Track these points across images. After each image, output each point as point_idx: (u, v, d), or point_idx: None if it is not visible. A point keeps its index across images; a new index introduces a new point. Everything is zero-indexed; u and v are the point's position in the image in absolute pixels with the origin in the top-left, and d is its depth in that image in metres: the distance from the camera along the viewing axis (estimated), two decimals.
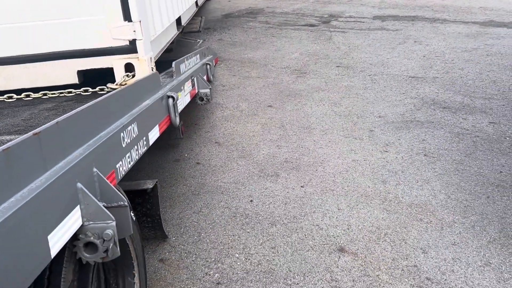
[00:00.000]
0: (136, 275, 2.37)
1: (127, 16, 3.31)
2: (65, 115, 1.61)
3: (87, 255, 1.59)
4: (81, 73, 3.44)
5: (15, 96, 3.22)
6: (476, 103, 5.09)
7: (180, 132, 4.10)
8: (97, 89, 3.31)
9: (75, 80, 3.41)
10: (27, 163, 1.33)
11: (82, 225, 1.57)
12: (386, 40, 7.62)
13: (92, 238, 1.57)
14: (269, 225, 3.28)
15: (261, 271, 2.85)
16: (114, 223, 1.59)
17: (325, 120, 4.89)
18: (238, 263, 2.93)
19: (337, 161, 4.04)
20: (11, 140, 1.99)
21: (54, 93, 3.25)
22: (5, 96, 3.21)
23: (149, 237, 3.09)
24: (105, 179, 1.72)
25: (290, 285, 2.72)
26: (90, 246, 1.60)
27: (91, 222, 1.59)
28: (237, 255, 3.01)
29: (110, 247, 1.59)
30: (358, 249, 2.96)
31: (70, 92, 3.28)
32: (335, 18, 9.27)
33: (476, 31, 7.88)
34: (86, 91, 3.29)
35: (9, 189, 1.23)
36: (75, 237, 1.57)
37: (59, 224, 1.40)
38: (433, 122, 4.67)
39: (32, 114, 2.60)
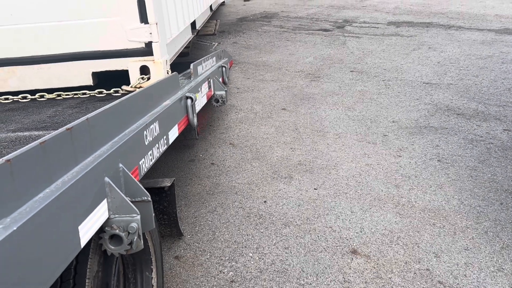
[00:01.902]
0: (154, 270, 2.43)
1: (143, 18, 3.31)
2: (94, 112, 1.67)
3: (112, 247, 1.65)
4: (96, 75, 3.43)
5: (29, 96, 3.23)
6: (491, 110, 5.09)
7: (195, 132, 4.16)
8: (111, 91, 3.32)
9: (89, 81, 3.40)
10: (60, 156, 1.40)
11: (108, 218, 1.63)
12: (400, 46, 7.63)
13: (117, 230, 1.64)
14: (283, 225, 3.32)
15: (274, 270, 2.89)
16: (138, 217, 1.65)
17: (339, 124, 4.92)
18: (252, 262, 2.98)
19: (350, 164, 4.07)
20: (39, 135, 2.07)
21: (68, 94, 3.27)
22: (20, 96, 3.23)
23: (165, 234, 3.15)
24: (130, 174, 1.78)
25: (303, 285, 2.76)
26: (115, 238, 1.66)
27: (116, 215, 1.65)
28: (250, 254, 3.06)
29: (134, 240, 1.65)
30: (370, 251, 3.00)
31: (85, 94, 3.28)
32: (349, 23, 9.30)
33: (491, 39, 7.86)
34: (100, 92, 3.29)
35: (44, 180, 1.30)
36: (101, 230, 1.63)
37: (88, 215, 1.46)
38: (447, 128, 4.68)
39: (56, 111, 2.68)
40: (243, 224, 3.37)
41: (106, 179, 1.62)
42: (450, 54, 7.11)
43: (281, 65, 7.04)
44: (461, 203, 3.44)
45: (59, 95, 3.24)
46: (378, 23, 9.22)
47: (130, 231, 1.64)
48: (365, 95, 5.68)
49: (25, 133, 2.10)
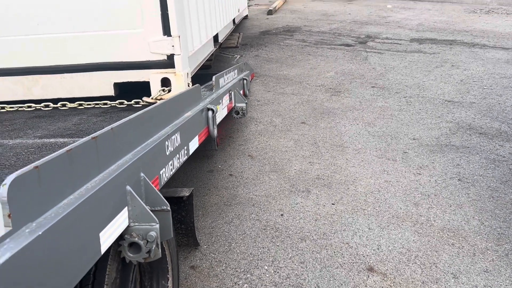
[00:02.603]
0: (170, 279, 2.46)
1: (166, 31, 3.36)
2: (118, 122, 1.72)
3: (131, 255, 1.69)
4: (117, 86, 3.48)
5: (51, 105, 3.28)
6: None
7: (215, 143, 4.20)
8: (132, 102, 3.37)
9: (111, 92, 3.44)
10: (85, 164, 1.44)
11: (128, 226, 1.67)
12: (422, 63, 7.59)
13: (136, 239, 1.67)
14: (299, 240, 3.32)
15: (289, 284, 2.88)
16: (157, 226, 1.68)
17: (359, 139, 4.91)
18: (267, 275, 2.98)
19: (369, 180, 4.05)
20: (65, 142, 2.14)
21: (90, 104, 3.32)
22: (42, 104, 3.29)
23: (182, 243, 3.18)
24: (150, 183, 1.82)
25: None
26: (134, 246, 1.69)
27: (136, 224, 1.68)
28: (266, 267, 3.06)
29: (153, 248, 1.68)
30: (387, 269, 2.97)
31: (106, 104, 3.33)
32: (371, 39, 9.30)
33: None
34: (121, 103, 3.35)
35: (69, 187, 1.34)
36: (120, 237, 1.67)
37: (109, 223, 1.50)
38: (468, 147, 4.62)
39: (81, 119, 2.75)
40: (259, 237, 3.38)
41: (128, 187, 1.65)
42: (474, 73, 7.04)
43: (302, 79, 7.06)
44: (481, 224, 3.38)
45: (80, 104, 3.31)
46: (400, 40, 9.19)
47: (149, 240, 1.67)
48: (385, 111, 5.65)
49: (50, 140, 2.17)
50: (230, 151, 4.86)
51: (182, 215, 2.96)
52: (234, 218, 3.63)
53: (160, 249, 1.71)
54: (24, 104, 3.28)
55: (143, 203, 1.69)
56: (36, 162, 1.18)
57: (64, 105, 3.26)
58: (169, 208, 1.83)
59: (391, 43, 8.94)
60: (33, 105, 3.27)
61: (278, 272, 3.00)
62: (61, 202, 1.29)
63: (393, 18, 11.40)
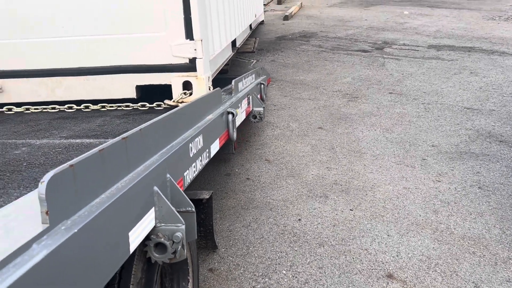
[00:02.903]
0: (190, 280, 2.46)
1: (189, 34, 3.39)
2: (146, 123, 1.74)
3: (157, 255, 1.70)
4: (139, 88, 3.51)
5: (75, 106, 3.33)
6: None
7: (232, 147, 4.22)
8: (154, 104, 3.39)
9: (133, 94, 3.48)
10: (115, 164, 1.46)
11: (154, 226, 1.68)
12: (440, 69, 7.53)
13: (162, 239, 1.68)
14: (317, 245, 3.30)
15: None
16: (183, 227, 1.69)
17: (376, 145, 4.88)
18: (285, 280, 2.97)
19: (387, 187, 4.02)
20: (91, 143, 2.17)
21: (112, 106, 3.37)
22: (66, 106, 3.34)
23: (200, 246, 3.19)
24: (176, 185, 1.83)
25: None
26: (160, 246, 1.70)
27: (162, 224, 1.70)
28: (284, 272, 3.05)
29: (178, 249, 1.69)
30: (407, 277, 2.94)
31: (128, 106, 3.37)
32: (388, 45, 9.26)
33: None
34: (143, 106, 3.38)
35: (101, 186, 1.36)
36: (146, 237, 1.68)
37: (138, 222, 1.51)
38: (488, 155, 4.56)
39: (104, 121, 2.78)
40: (277, 241, 3.37)
41: (155, 188, 1.67)
42: (493, 80, 6.96)
43: (319, 84, 7.06)
44: (502, 232, 3.33)
45: (103, 106, 3.34)
46: (418, 46, 9.13)
47: (175, 240, 1.68)
48: (403, 117, 5.61)
49: (77, 140, 2.20)
50: (247, 155, 4.87)
51: (202, 217, 2.97)
52: (252, 222, 3.63)
53: (185, 250, 1.72)
54: (47, 105, 3.32)
55: (170, 203, 1.70)
56: (71, 161, 1.20)
57: (87, 107, 3.30)
58: (194, 209, 1.84)
59: (408, 49, 8.90)
60: (57, 106, 3.32)
61: (296, 277, 2.99)
62: (93, 200, 1.30)
63: (410, 25, 11.34)
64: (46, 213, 1.08)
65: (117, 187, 1.43)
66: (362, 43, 9.57)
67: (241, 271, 3.08)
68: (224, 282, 2.99)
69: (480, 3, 14.96)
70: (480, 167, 4.31)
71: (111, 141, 1.45)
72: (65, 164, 1.17)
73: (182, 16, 3.27)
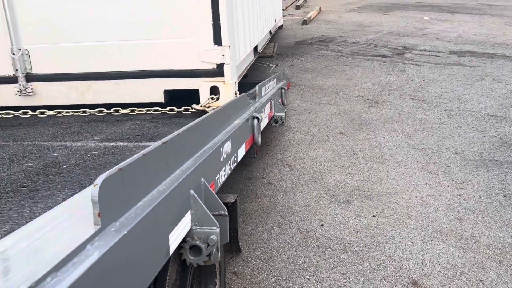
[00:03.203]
0: (217, 283, 2.50)
1: (217, 40, 3.44)
2: (183, 128, 1.78)
3: (192, 257, 1.73)
4: (167, 93, 3.56)
5: (105, 110, 3.39)
6: None
7: (254, 151, 4.25)
8: (182, 109, 3.44)
9: (161, 99, 3.52)
10: (157, 168, 1.50)
11: (190, 229, 1.71)
12: (463, 75, 7.46)
13: (198, 241, 1.71)
14: (340, 251, 3.31)
15: None
16: (218, 230, 1.73)
17: (399, 151, 4.87)
18: (309, 285, 2.99)
19: (411, 194, 4.01)
20: (125, 146, 2.22)
21: (141, 110, 3.42)
22: (96, 110, 3.41)
23: (225, 249, 3.22)
24: (210, 188, 1.87)
25: None
26: (195, 249, 1.74)
27: (198, 227, 1.73)
28: (308, 277, 3.07)
29: (213, 252, 1.72)
30: (432, 284, 2.92)
31: (157, 110, 3.41)
32: (409, 51, 9.21)
33: None
34: (171, 110, 3.43)
35: (145, 189, 1.40)
36: (182, 240, 1.72)
37: (177, 225, 1.55)
38: None
39: (135, 124, 2.84)
40: (300, 246, 3.39)
41: (191, 191, 1.71)
42: None
43: (339, 89, 7.06)
44: None
45: (132, 110, 3.41)
46: (439, 52, 9.06)
47: (210, 243, 1.71)
48: (426, 123, 5.58)
49: (111, 143, 2.25)
50: (268, 160, 4.89)
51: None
52: (274, 226, 3.65)
53: (219, 253, 1.75)
54: (78, 109, 3.40)
55: (205, 207, 1.74)
56: (120, 165, 1.24)
57: (116, 111, 3.36)
58: (226, 212, 1.87)
59: (429, 55, 8.84)
60: (87, 110, 3.39)
61: (320, 282, 3.00)
62: (138, 203, 1.34)
63: (431, 30, 11.26)
64: (98, 215, 1.12)
65: (158, 190, 1.47)
66: (382, 48, 9.54)
67: (265, 275, 3.10)
68: (248, 285, 3.02)
69: (502, 8, 14.78)
70: (505, 175, 4.27)
71: (153, 146, 1.49)
72: (114, 168, 1.21)
73: (211, 22, 3.32)
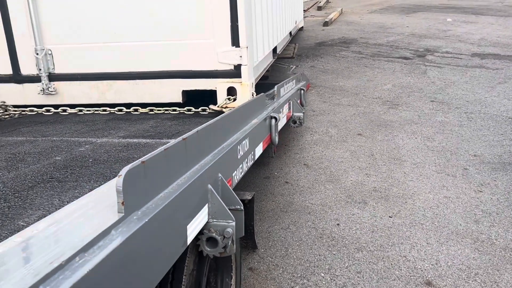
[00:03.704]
0: (233, 277, 2.58)
1: (235, 42, 3.50)
2: (202, 126, 1.87)
3: (208, 249, 1.82)
4: (185, 93, 3.64)
5: (124, 109, 3.49)
6: None
7: (272, 151, 4.32)
8: (199, 109, 3.53)
9: (179, 99, 3.60)
10: (176, 162, 1.59)
11: (207, 222, 1.80)
12: (484, 78, 7.39)
13: (214, 234, 1.80)
14: (355, 250, 3.35)
15: None
16: (234, 223, 1.81)
17: (417, 153, 4.87)
18: (323, 282, 3.04)
19: (428, 195, 4.02)
20: (147, 143, 2.32)
21: (159, 110, 3.51)
22: (116, 109, 3.52)
23: (241, 245, 3.30)
24: (227, 184, 1.95)
25: None
26: (211, 241, 1.82)
27: (214, 220, 1.81)
28: (322, 274, 3.12)
29: (229, 244, 1.80)
30: (446, 285, 2.94)
31: (175, 110, 3.49)
32: (430, 53, 9.14)
33: None
34: (189, 110, 3.52)
35: (165, 181, 1.49)
36: (200, 232, 1.80)
37: (194, 217, 1.64)
38: None
39: (157, 122, 2.94)
40: (316, 244, 3.44)
41: (209, 186, 1.79)
42: None
43: (358, 91, 7.07)
44: None
45: (151, 110, 3.50)
46: (461, 54, 8.98)
47: (226, 236, 1.79)
48: (445, 126, 5.56)
49: (134, 140, 2.35)
50: (285, 159, 4.96)
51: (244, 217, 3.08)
52: (291, 225, 3.71)
53: (235, 246, 1.83)
54: (99, 107, 3.52)
55: (222, 201, 1.82)
56: (143, 158, 1.33)
57: (136, 110, 3.47)
58: (242, 207, 1.95)
59: (451, 57, 8.76)
60: (107, 108, 3.51)
61: (334, 280, 3.06)
62: (159, 195, 1.43)
63: (453, 32, 11.14)
64: (122, 203, 1.21)
65: (177, 183, 1.56)
66: (403, 50, 9.49)
67: (280, 272, 3.17)
68: (264, 281, 3.09)
69: None
70: None
71: (173, 141, 1.58)
72: (137, 161, 1.30)
73: (229, 24, 3.39)
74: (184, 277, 1.80)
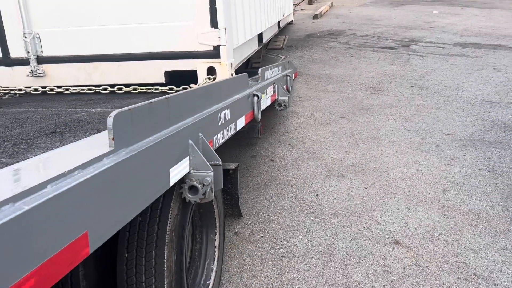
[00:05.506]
0: (217, 234, 2.87)
1: (214, 23, 3.65)
2: (186, 90, 2.14)
3: (190, 196, 2.10)
4: (168, 74, 3.81)
5: (109, 88, 3.68)
6: None
7: (258, 132, 4.60)
8: (181, 88, 3.76)
9: (162, 79, 3.78)
10: (160, 116, 1.86)
11: (188, 172, 2.08)
12: (464, 65, 7.70)
13: (195, 182, 2.08)
14: (332, 216, 3.65)
15: (321, 251, 3.23)
16: (212, 173, 2.09)
17: (394, 133, 5.17)
18: (301, 243, 3.34)
19: (401, 169, 4.32)
20: None
21: (143, 89, 3.71)
22: (101, 88, 3.70)
23: (227, 213, 3.58)
24: (206, 142, 2.23)
25: (346, 265, 3.07)
26: (193, 189, 2.10)
27: (195, 171, 2.09)
28: (300, 237, 3.41)
29: (207, 191, 2.08)
30: (412, 243, 3.25)
31: (157, 89, 3.70)
32: (415, 43, 9.44)
33: None
34: (171, 89, 3.74)
35: (150, 130, 1.76)
36: (182, 181, 2.08)
37: (177, 164, 1.91)
38: (501, 143, 4.78)
39: (147, 98, 3.20)
40: (296, 212, 3.73)
41: (190, 141, 2.07)
42: None
43: (344, 78, 7.36)
44: (505, 209, 3.59)
45: (135, 89, 3.72)
46: (444, 43, 9.28)
47: (205, 183, 2.07)
48: (423, 109, 5.87)
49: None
50: (271, 140, 5.24)
51: (228, 187, 3.36)
52: (274, 196, 4.00)
53: (213, 193, 2.11)
54: (85, 87, 3.73)
55: (202, 154, 2.10)
56: (130, 106, 1.61)
57: (120, 89, 3.69)
58: (220, 162, 2.22)
59: (434, 46, 9.07)
60: (92, 87, 3.72)
61: (311, 241, 3.35)
62: (144, 139, 1.71)
63: (438, 24, 11.45)
64: (112, 139, 1.49)
65: (161, 134, 1.84)
66: (388, 40, 9.79)
67: (262, 235, 3.46)
68: (247, 243, 3.38)
69: None
70: (491, 153, 4.54)
71: (157, 99, 1.85)
72: (125, 108, 1.58)
73: (208, 6, 3.60)
74: (169, 219, 2.08)
